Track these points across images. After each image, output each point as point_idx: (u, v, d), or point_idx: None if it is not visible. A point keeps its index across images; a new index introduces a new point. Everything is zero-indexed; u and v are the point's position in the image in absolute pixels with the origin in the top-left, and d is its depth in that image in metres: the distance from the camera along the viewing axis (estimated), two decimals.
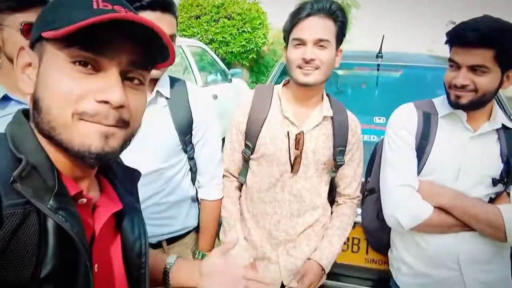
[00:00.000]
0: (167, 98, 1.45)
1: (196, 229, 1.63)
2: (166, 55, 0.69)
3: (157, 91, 1.42)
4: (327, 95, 1.55)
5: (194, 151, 1.52)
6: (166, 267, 1.01)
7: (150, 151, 1.39)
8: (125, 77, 0.66)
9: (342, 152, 1.50)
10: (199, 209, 1.61)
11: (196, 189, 1.59)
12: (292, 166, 1.46)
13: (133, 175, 0.93)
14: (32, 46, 0.67)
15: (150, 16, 1.26)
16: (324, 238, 1.56)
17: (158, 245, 1.50)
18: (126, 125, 0.67)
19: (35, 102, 0.64)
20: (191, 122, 1.47)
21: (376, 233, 1.69)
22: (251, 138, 1.51)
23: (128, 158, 1.45)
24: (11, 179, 0.58)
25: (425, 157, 1.41)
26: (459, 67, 1.30)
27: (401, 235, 1.51)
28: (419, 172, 1.42)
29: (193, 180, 1.58)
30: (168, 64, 0.73)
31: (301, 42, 1.38)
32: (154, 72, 1.30)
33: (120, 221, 0.81)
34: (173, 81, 1.50)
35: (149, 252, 0.86)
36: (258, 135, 1.50)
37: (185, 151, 1.49)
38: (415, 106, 1.49)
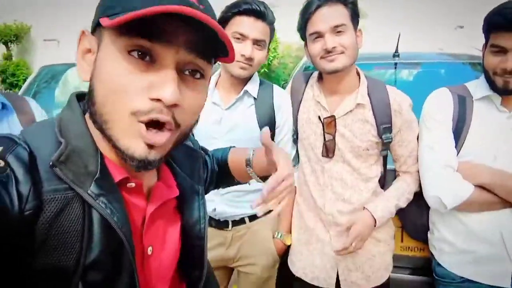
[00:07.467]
0: (254, 98, 1.53)
1: None
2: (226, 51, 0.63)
3: (246, 90, 1.51)
4: (367, 78, 1.53)
5: None
6: (247, 159, 1.02)
7: (234, 143, 1.48)
8: (184, 70, 0.61)
9: (387, 130, 1.46)
10: None
11: None
12: (327, 150, 1.48)
13: (193, 156, 0.90)
14: (93, 32, 0.63)
15: (244, 21, 1.40)
16: (380, 196, 1.55)
17: (241, 221, 1.61)
18: (177, 127, 0.62)
19: (90, 92, 0.61)
20: (273, 124, 1.55)
21: (412, 217, 1.71)
22: (293, 120, 1.58)
23: (215, 147, 1.51)
24: (50, 163, 0.56)
25: (462, 139, 1.43)
26: (505, 52, 1.31)
27: (442, 215, 1.53)
28: (456, 154, 1.44)
29: None
30: (229, 60, 0.66)
31: (319, 35, 1.40)
32: (244, 73, 1.45)
33: (181, 203, 0.80)
34: (262, 83, 1.58)
35: (207, 233, 0.84)
36: (297, 118, 1.56)
37: None
38: (450, 90, 1.52)
